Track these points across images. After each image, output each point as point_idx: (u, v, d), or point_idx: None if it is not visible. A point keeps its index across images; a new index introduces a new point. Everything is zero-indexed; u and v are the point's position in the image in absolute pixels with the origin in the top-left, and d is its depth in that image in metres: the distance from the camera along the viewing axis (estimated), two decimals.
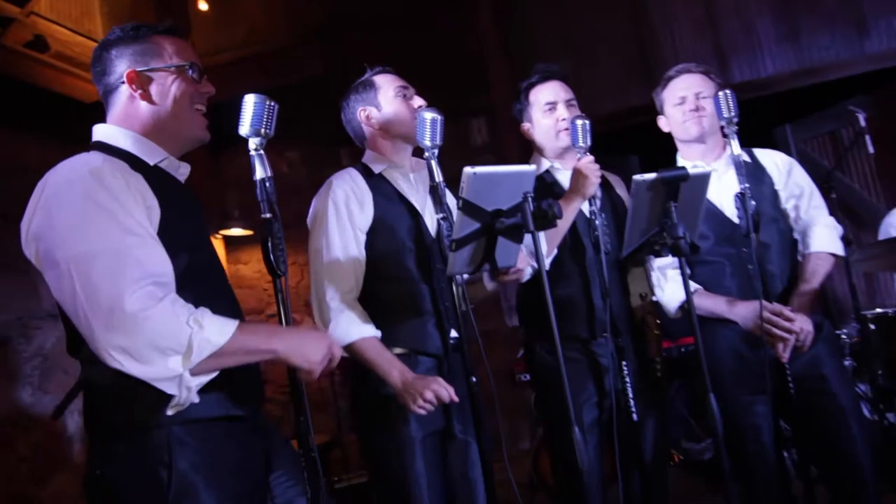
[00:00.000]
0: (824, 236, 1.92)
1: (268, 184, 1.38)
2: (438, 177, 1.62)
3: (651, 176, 1.58)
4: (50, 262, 1.19)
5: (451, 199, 1.73)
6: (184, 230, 1.29)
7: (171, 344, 1.13)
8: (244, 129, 1.36)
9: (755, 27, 5.08)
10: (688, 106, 1.99)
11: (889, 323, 3.37)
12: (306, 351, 1.25)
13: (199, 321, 1.16)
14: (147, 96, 1.33)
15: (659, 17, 5.17)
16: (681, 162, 2.08)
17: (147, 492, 1.19)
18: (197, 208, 1.41)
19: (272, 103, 1.37)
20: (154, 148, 1.34)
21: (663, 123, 2.10)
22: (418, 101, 1.82)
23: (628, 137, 4.97)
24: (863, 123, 3.34)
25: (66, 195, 1.19)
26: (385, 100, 1.82)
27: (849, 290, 3.24)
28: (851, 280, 3.17)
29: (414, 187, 1.81)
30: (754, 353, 1.85)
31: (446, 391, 1.58)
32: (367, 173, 1.80)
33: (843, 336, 3.49)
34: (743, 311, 1.85)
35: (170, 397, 1.18)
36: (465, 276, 1.62)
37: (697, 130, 1.98)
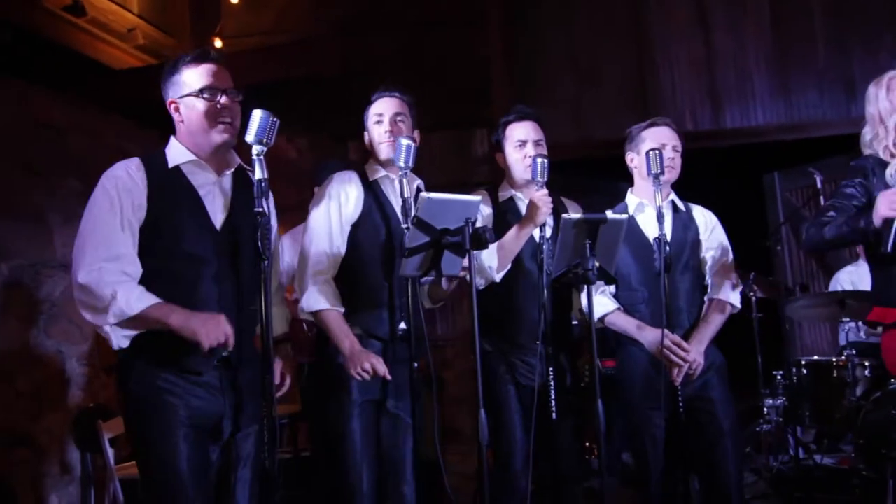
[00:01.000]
0: (727, 288, 2.28)
1: (263, 184, 1.71)
2: (407, 193, 1.94)
3: (576, 216, 1.90)
4: None
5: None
6: (168, 217, 1.70)
7: (98, 305, 1.61)
8: (250, 137, 1.68)
9: (750, 77, 5.33)
10: (668, 155, 2.27)
11: (821, 368, 3.68)
12: (194, 327, 1.60)
13: (115, 294, 1.60)
14: (181, 117, 1.78)
15: (661, 52, 5.40)
16: (630, 198, 2.40)
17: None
18: (195, 198, 1.75)
19: (275, 119, 1.70)
20: (183, 152, 1.76)
21: (630, 159, 2.41)
22: (385, 128, 2.13)
23: (621, 164, 5.26)
24: (818, 185, 3.64)
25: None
26: (370, 123, 2.15)
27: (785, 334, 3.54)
28: (785, 327, 3.47)
29: (398, 195, 2.08)
30: (656, 374, 2.19)
31: (381, 367, 1.93)
32: (364, 178, 2.14)
33: (779, 378, 3.81)
34: (649, 336, 2.20)
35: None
36: (426, 278, 1.95)
37: (673, 176, 2.28)
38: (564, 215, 1.92)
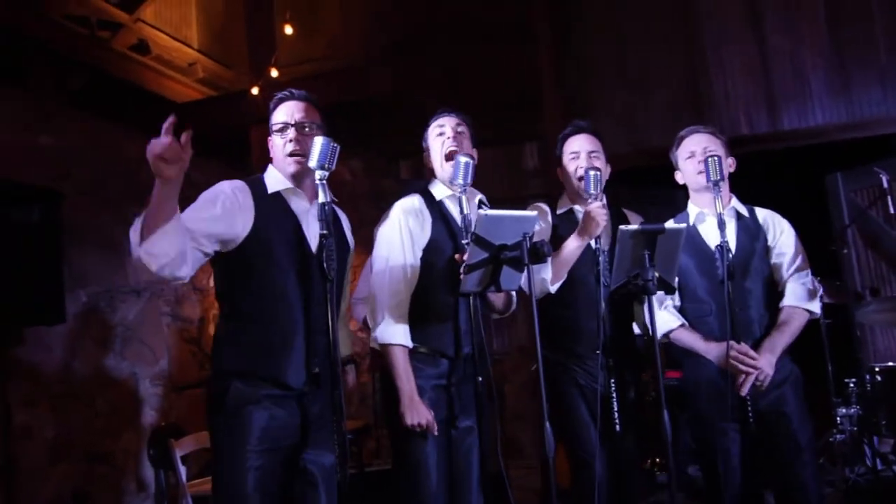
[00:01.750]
0: (801, 293, 2.20)
1: (327, 207, 1.78)
2: (467, 210, 1.99)
3: (634, 227, 1.90)
4: None
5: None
6: (275, 239, 1.79)
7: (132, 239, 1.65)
8: (312, 163, 1.76)
9: (807, 76, 5.18)
10: (697, 159, 2.27)
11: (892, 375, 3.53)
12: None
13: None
14: (272, 151, 1.98)
15: (713, 56, 5.29)
16: (690, 207, 2.37)
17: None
18: (293, 224, 1.87)
19: (335, 145, 1.77)
20: (280, 180, 1.91)
21: (679, 177, 2.39)
22: (448, 145, 2.15)
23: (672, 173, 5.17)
24: (884, 184, 3.51)
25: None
26: (431, 140, 2.21)
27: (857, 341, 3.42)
28: (857, 332, 3.36)
29: (459, 213, 2.11)
30: (725, 386, 2.13)
31: (434, 427, 2.01)
32: (429, 198, 2.16)
33: (852, 386, 3.67)
34: (716, 351, 2.15)
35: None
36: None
37: (705, 181, 2.25)
38: (622, 227, 1.92)
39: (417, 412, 1.97)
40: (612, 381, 2.19)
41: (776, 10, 5.21)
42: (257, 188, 1.86)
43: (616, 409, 2.17)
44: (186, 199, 1.85)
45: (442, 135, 2.16)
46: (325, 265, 1.74)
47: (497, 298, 2.13)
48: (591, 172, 2.17)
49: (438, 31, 5.34)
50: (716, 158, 2.13)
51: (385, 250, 2.10)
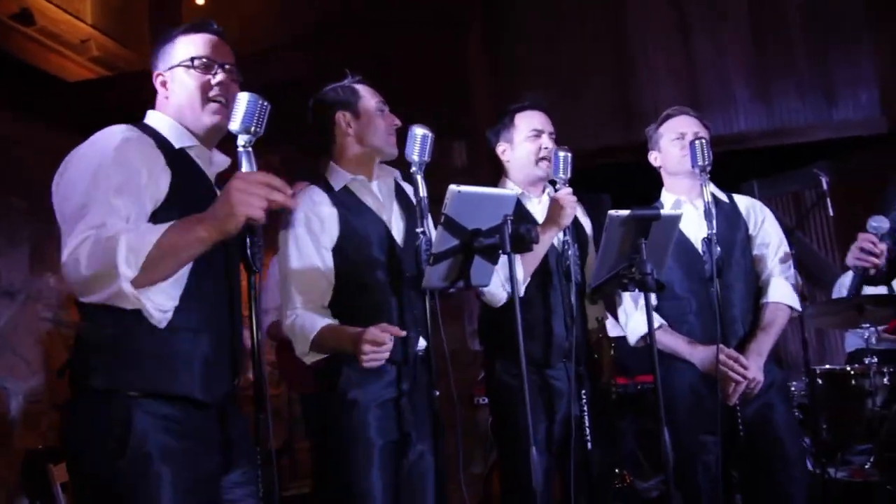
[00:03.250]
0: (785, 289, 2.01)
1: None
2: (423, 192, 1.66)
3: (625, 213, 1.65)
4: None
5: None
6: (190, 212, 1.31)
7: (100, 269, 1.19)
8: (235, 125, 1.39)
9: (731, 84, 5.29)
10: (686, 142, 2.05)
11: (836, 379, 3.50)
12: (232, 203, 1.20)
13: (116, 240, 1.19)
14: (167, 93, 1.48)
15: (642, 64, 5.34)
16: (665, 196, 2.16)
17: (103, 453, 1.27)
18: (210, 198, 1.44)
19: (265, 103, 1.41)
20: (184, 133, 1.45)
21: (654, 158, 2.17)
22: (395, 120, 1.84)
23: (602, 175, 5.11)
24: (825, 187, 3.50)
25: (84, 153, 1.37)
26: (365, 109, 1.83)
27: (801, 344, 3.36)
28: (804, 335, 3.30)
29: (377, 198, 1.81)
30: (710, 394, 1.92)
31: (394, 329, 1.57)
32: (329, 189, 1.81)
33: (793, 389, 3.61)
34: (701, 355, 1.93)
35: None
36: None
37: (690, 166, 2.02)
38: (611, 212, 1.65)
39: (370, 333, 1.55)
40: (584, 391, 1.92)
41: (702, 20, 5.28)
42: (160, 140, 1.42)
43: (588, 424, 1.91)
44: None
45: (382, 112, 1.83)
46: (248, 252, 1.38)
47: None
48: (562, 154, 1.91)
49: (366, 15, 5.03)
50: (703, 142, 1.93)
51: (286, 252, 1.77)
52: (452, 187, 1.42)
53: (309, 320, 1.69)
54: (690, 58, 5.35)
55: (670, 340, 1.97)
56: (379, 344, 1.54)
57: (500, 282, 1.83)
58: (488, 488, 3.08)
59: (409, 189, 1.86)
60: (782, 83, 5.22)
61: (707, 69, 5.32)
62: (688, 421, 1.94)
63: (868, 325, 3.26)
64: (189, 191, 1.40)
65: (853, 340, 3.94)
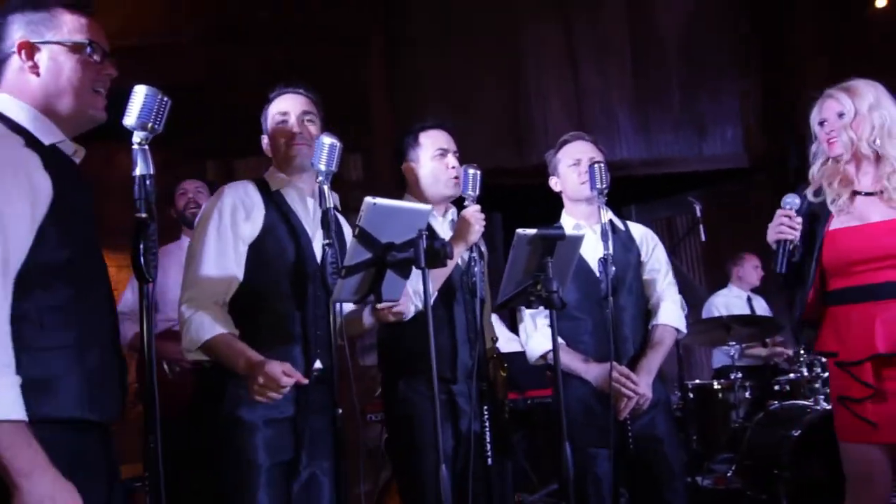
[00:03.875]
0: (672, 312, 2.15)
1: (148, 181, 1.32)
2: (330, 202, 1.62)
3: (532, 231, 1.69)
4: None
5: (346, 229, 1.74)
6: (73, 219, 1.20)
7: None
8: (130, 119, 1.29)
9: (615, 114, 5.63)
10: (582, 168, 2.14)
11: (705, 393, 3.78)
12: None
13: None
14: (37, 69, 1.26)
15: (534, 90, 5.57)
16: (565, 219, 2.23)
17: None
18: (89, 196, 1.31)
19: (165, 98, 1.32)
20: (51, 127, 1.26)
21: (554, 183, 2.24)
22: (300, 129, 1.80)
23: (493, 196, 5.24)
24: (699, 214, 3.78)
25: None
26: (270, 124, 1.82)
27: (676, 361, 3.60)
28: (679, 352, 3.54)
29: (309, 212, 1.78)
30: (602, 409, 2.00)
31: (296, 373, 1.52)
32: (264, 188, 1.77)
33: None
34: (595, 371, 2.01)
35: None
36: (347, 306, 1.62)
37: (589, 191, 2.11)
38: (519, 230, 1.69)
39: (268, 368, 1.49)
40: (486, 407, 1.94)
41: (590, 53, 5.60)
42: (26, 136, 1.23)
43: (488, 440, 1.93)
44: None
45: (285, 123, 1.80)
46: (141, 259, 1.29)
47: (368, 320, 1.75)
48: (471, 171, 1.94)
49: (266, 23, 4.88)
50: (601, 166, 2.02)
51: (197, 245, 1.69)
52: (368, 199, 1.40)
53: (208, 322, 1.60)
54: (579, 86, 5.64)
55: (566, 358, 2.04)
56: (275, 386, 1.49)
57: (407, 298, 1.82)
58: None
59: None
60: (660, 116, 5.62)
61: (594, 98, 5.64)
62: (580, 435, 2.00)
63: (734, 343, 3.54)
64: (73, 200, 1.24)
65: (720, 357, 4.28)
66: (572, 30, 5.61)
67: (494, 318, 2.35)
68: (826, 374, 3.19)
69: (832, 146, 1.88)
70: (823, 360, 3.19)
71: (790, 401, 3.41)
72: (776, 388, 3.72)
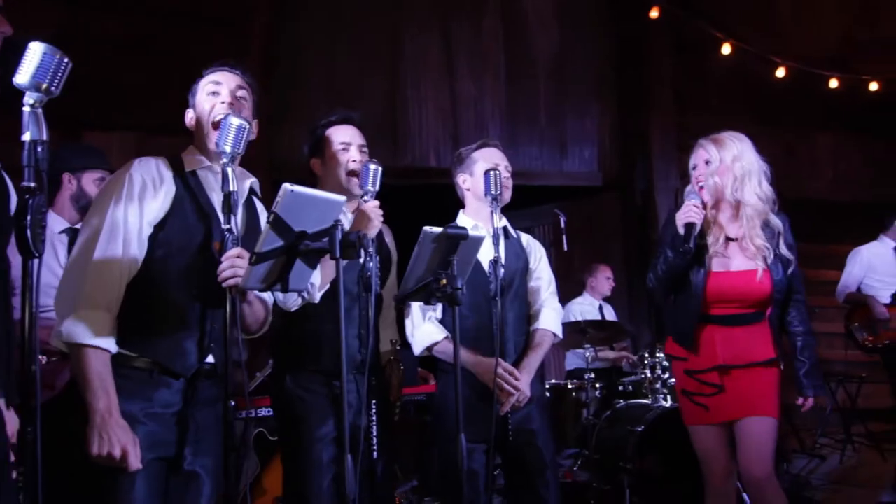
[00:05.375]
0: (552, 318, 2.30)
1: (39, 148, 1.22)
2: (233, 186, 1.56)
3: (438, 230, 1.74)
4: None
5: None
6: None
7: None
8: (23, 77, 1.19)
9: (487, 125, 5.87)
10: (503, 173, 2.23)
11: (560, 392, 4.05)
12: None
13: None
14: None
15: (412, 92, 5.67)
16: (463, 220, 2.31)
17: None
18: None
19: (65, 59, 1.23)
20: None
21: (463, 180, 2.32)
22: (224, 99, 1.70)
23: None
24: (563, 225, 4.05)
25: None
26: (200, 97, 1.71)
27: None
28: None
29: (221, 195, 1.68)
30: (481, 404, 2.09)
31: (135, 461, 1.46)
32: (177, 167, 1.65)
33: None
34: (482, 366, 2.11)
35: None
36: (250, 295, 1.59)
37: (508, 196, 2.24)
38: (425, 228, 1.73)
39: (109, 436, 1.43)
40: (374, 402, 1.96)
41: (466, 62, 5.81)
42: None
43: (375, 434, 1.95)
44: None
45: (216, 94, 1.70)
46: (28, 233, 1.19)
47: (258, 309, 1.70)
48: (371, 166, 1.95)
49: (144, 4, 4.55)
50: (498, 173, 2.13)
51: (92, 220, 1.55)
52: (286, 186, 1.36)
53: (84, 333, 1.47)
54: (455, 95, 5.83)
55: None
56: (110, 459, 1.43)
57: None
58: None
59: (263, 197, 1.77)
60: (528, 131, 5.95)
61: (468, 108, 5.85)
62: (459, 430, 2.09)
63: (588, 346, 3.83)
64: None
65: (572, 360, 4.60)
66: (452, 40, 5.78)
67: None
68: (665, 376, 3.58)
69: (701, 190, 2.17)
70: (665, 363, 3.57)
71: (634, 400, 3.75)
72: (621, 388, 4.08)
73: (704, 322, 2.18)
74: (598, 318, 4.44)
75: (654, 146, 5.89)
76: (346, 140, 2.09)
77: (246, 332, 1.74)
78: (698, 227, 2.12)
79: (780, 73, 5.44)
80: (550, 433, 2.24)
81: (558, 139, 6.06)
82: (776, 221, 2.16)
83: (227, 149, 1.55)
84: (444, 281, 1.67)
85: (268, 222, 1.38)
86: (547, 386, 4.04)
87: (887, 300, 3.93)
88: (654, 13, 5.39)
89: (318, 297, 1.87)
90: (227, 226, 1.54)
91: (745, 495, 2.61)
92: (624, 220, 6.04)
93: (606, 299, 4.71)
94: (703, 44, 5.54)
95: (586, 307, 4.52)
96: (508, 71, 5.95)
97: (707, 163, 2.16)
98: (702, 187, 2.18)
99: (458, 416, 1.77)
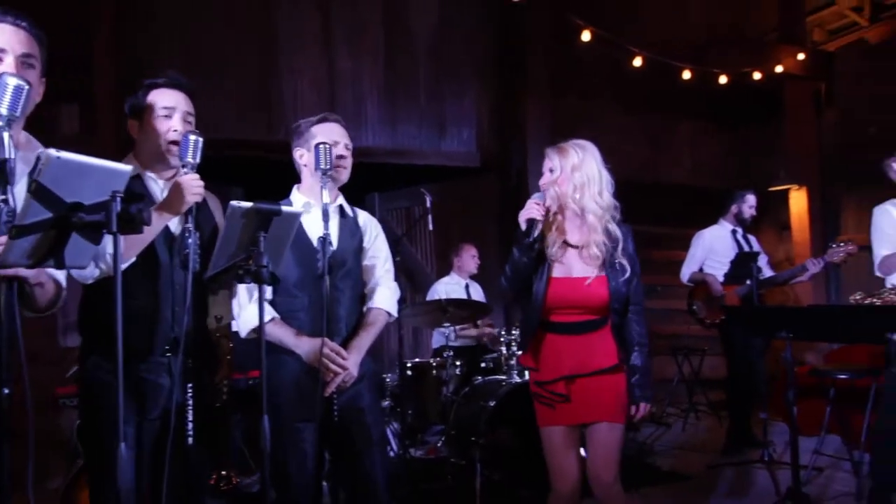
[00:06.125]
0: (386, 297, 2.27)
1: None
2: (10, 153, 1.40)
3: (247, 204, 1.66)
4: None
5: None
6: None
7: None
8: None
9: (364, 102, 5.77)
10: (339, 151, 2.17)
11: (421, 370, 4.08)
12: None
13: None
14: None
15: (286, 65, 5.45)
16: (296, 196, 2.22)
17: None
18: None
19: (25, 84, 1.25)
20: None
21: (300, 155, 2.23)
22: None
23: (236, 168, 5.02)
24: (428, 204, 4.05)
25: None
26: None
27: (397, 341, 3.81)
28: (400, 332, 3.75)
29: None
30: (311, 384, 2.05)
31: None
32: None
33: (388, 380, 4.08)
34: (306, 346, 2.05)
35: None
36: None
37: (345, 176, 2.18)
38: (233, 202, 1.63)
39: None
40: (190, 385, 1.86)
41: (345, 38, 5.67)
42: None
43: (191, 418, 1.85)
44: None
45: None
46: None
47: (48, 287, 1.56)
48: (192, 137, 1.82)
49: None
50: (328, 147, 2.06)
51: None
52: (50, 152, 1.23)
53: None
54: (332, 69, 5.67)
55: (279, 332, 2.05)
56: None
57: (92, 257, 1.64)
58: (70, 500, 2.74)
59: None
60: (406, 109, 5.89)
61: (345, 83, 5.71)
62: (289, 410, 2.04)
63: (448, 325, 3.87)
64: None
65: (438, 338, 4.64)
66: (329, 12, 5.60)
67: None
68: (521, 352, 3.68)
69: (546, 198, 2.19)
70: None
71: (492, 376, 3.84)
72: (482, 365, 4.16)
73: (547, 331, 2.21)
74: (464, 296, 4.50)
75: (529, 129, 6.01)
76: (169, 104, 1.94)
77: (33, 309, 1.59)
78: (540, 225, 2.14)
79: (638, 62, 5.67)
80: (380, 411, 2.22)
81: (437, 119, 6.06)
82: (616, 230, 2.19)
83: (4, 112, 1.39)
84: (250, 259, 1.58)
85: (29, 191, 1.25)
86: (409, 364, 4.07)
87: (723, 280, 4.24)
88: None
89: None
90: (3, 197, 1.39)
91: None
92: (501, 202, 6.15)
93: (474, 278, 4.77)
94: (571, 31, 5.69)
95: (452, 286, 4.57)
96: (388, 48, 5.86)
97: (551, 171, 2.20)
98: (546, 194, 2.21)
99: (263, 397, 1.71)
